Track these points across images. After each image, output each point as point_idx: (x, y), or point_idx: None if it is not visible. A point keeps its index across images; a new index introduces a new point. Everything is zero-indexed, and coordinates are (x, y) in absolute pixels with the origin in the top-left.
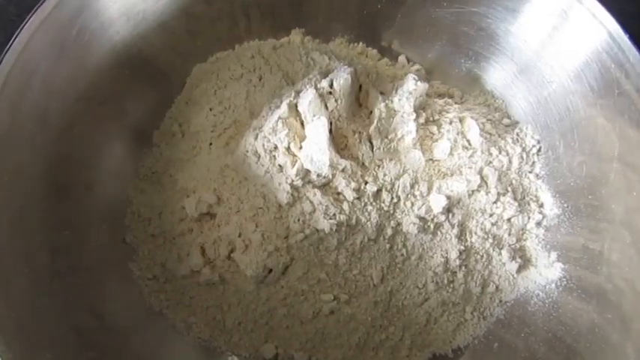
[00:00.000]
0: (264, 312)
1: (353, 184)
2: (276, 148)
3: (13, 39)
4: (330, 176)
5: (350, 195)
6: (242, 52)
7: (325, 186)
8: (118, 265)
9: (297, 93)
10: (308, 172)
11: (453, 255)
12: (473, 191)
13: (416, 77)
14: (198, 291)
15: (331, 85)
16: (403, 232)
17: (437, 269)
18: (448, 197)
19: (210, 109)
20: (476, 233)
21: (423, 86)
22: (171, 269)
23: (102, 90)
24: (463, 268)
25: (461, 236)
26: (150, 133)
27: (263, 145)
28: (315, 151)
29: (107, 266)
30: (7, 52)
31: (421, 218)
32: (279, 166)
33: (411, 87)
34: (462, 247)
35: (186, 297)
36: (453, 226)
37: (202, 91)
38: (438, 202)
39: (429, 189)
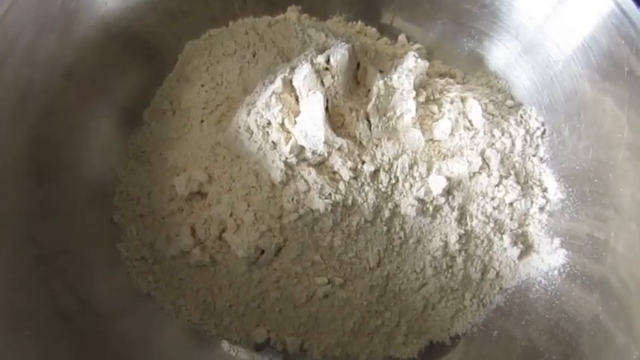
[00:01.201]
0: (256, 295)
1: (349, 164)
2: (269, 124)
3: None
4: (326, 154)
5: (346, 174)
6: (236, 29)
7: (321, 165)
8: (106, 247)
9: (293, 69)
10: (302, 149)
11: (453, 239)
12: (474, 173)
13: (416, 55)
14: (188, 272)
15: (328, 61)
16: (401, 215)
17: (435, 253)
18: (448, 179)
19: (202, 86)
20: (476, 217)
21: (423, 64)
22: (160, 250)
23: (89, 65)
24: (463, 252)
25: (461, 220)
26: (140, 112)
27: (256, 121)
28: (310, 127)
29: (94, 248)
30: None
31: (420, 200)
32: (273, 142)
33: (411, 64)
34: (462, 231)
35: (175, 279)
36: (452, 209)
37: (194, 68)
38: (437, 184)
39: (429, 170)
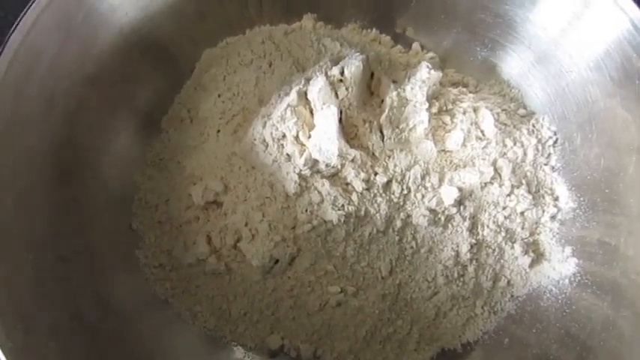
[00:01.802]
0: (271, 303)
1: (362, 175)
2: (284, 136)
3: (19, 19)
4: (339, 166)
5: (359, 186)
6: (252, 37)
7: (334, 176)
8: (124, 252)
9: (307, 80)
10: (316, 161)
11: (464, 248)
12: (486, 183)
13: (429, 65)
14: (204, 280)
15: (342, 73)
16: (413, 225)
17: (447, 262)
18: (460, 189)
19: (219, 96)
20: (488, 226)
21: (436, 75)
22: (177, 257)
23: (110, 73)
24: (474, 261)
25: (472, 229)
26: (158, 118)
27: (271, 134)
28: (324, 141)
29: (113, 253)
30: (13, 32)
31: (432, 210)
32: (287, 155)
33: (424, 75)
34: (474, 241)
35: (192, 286)
36: (464, 219)
37: (211, 77)
38: (449, 194)
39: (441, 180)
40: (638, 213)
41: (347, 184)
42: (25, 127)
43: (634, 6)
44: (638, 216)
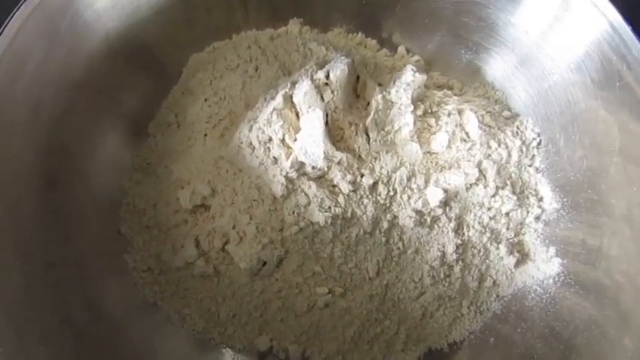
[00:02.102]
0: (259, 304)
1: (349, 177)
2: (270, 139)
3: (3, 26)
4: (326, 169)
5: (345, 188)
6: (239, 42)
7: (320, 178)
8: (113, 257)
9: (293, 84)
10: (303, 164)
11: (450, 249)
12: (471, 184)
13: (414, 68)
14: (192, 283)
15: (327, 76)
16: (399, 226)
17: (433, 263)
18: (445, 190)
19: (206, 100)
20: (473, 227)
21: (421, 78)
22: (166, 261)
23: (96, 79)
24: (460, 262)
25: (458, 230)
26: (145, 124)
27: (257, 137)
28: (310, 144)
29: (102, 258)
30: None
31: (418, 212)
32: (274, 158)
33: (409, 78)
34: (459, 241)
35: (180, 289)
36: (450, 220)
37: (198, 81)
38: (434, 196)
39: (426, 182)
40: (620, 213)
41: (333, 186)
42: (11, 134)
43: (612, 8)
44: (621, 216)
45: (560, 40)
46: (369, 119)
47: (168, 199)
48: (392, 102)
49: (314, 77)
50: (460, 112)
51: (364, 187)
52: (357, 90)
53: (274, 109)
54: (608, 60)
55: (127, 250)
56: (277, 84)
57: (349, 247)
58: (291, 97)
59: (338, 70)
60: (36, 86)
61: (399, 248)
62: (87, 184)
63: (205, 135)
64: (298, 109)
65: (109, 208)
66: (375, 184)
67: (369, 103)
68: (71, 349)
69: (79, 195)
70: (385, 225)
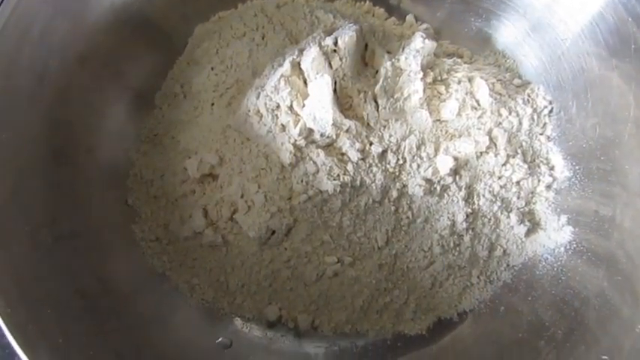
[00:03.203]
0: (268, 274)
1: (357, 145)
2: (278, 107)
3: None
4: (334, 136)
5: (354, 155)
6: (245, 11)
7: (329, 146)
8: (121, 228)
9: (301, 51)
10: (311, 131)
11: (460, 218)
12: (481, 153)
13: (424, 35)
14: (201, 253)
15: (335, 43)
16: (409, 195)
17: (443, 232)
18: (455, 159)
19: (212, 69)
20: (484, 196)
21: (430, 44)
22: (174, 231)
23: (101, 51)
24: (470, 231)
25: (468, 199)
26: (151, 95)
27: (265, 104)
28: (318, 109)
29: (110, 229)
30: (1, 3)
31: (427, 180)
32: (282, 125)
33: (419, 45)
34: (469, 210)
35: (189, 259)
36: (460, 189)
37: (204, 51)
38: (444, 164)
39: (436, 150)
40: (633, 181)
41: (342, 154)
42: (17, 100)
43: None
44: (634, 185)
45: (572, 2)
46: (377, 86)
47: (176, 169)
48: (401, 69)
49: (322, 44)
50: (470, 80)
51: (373, 156)
52: (365, 58)
53: (282, 75)
54: (623, 21)
55: (134, 221)
56: (284, 52)
57: (358, 215)
58: (299, 63)
59: (346, 36)
60: (41, 53)
61: (408, 217)
62: (94, 155)
63: (212, 104)
64: (306, 76)
65: (116, 179)
66: (384, 152)
67: (377, 71)
68: (83, 318)
69: (86, 167)
70: (394, 194)
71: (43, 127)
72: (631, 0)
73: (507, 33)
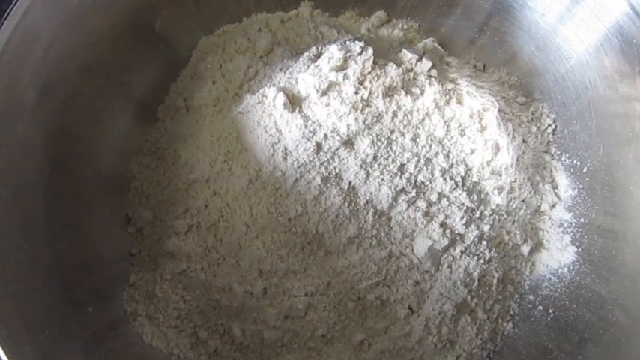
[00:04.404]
0: None
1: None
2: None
3: (11, 7)
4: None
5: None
6: (249, 25)
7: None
8: (121, 241)
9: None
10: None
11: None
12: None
13: (434, 40)
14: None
15: (344, 57)
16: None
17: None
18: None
19: (214, 83)
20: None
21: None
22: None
23: (105, 61)
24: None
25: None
26: (155, 106)
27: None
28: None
29: (110, 242)
30: (6, 17)
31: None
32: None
33: (429, 45)
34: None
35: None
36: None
37: (207, 65)
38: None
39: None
40: (637, 202)
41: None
42: (19, 118)
43: None
44: (638, 205)
45: (578, 23)
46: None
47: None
48: (409, 72)
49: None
50: (475, 98)
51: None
52: (374, 68)
53: (279, 89)
54: (627, 43)
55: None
56: (287, 66)
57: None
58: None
59: (356, 47)
60: (44, 69)
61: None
62: (95, 168)
63: (212, 118)
64: (307, 93)
65: (117, 192)
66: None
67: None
68: (77, 337)
69: (87, 179)
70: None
71: (44, 137)
72: (636, 22)
73: (511, 50)
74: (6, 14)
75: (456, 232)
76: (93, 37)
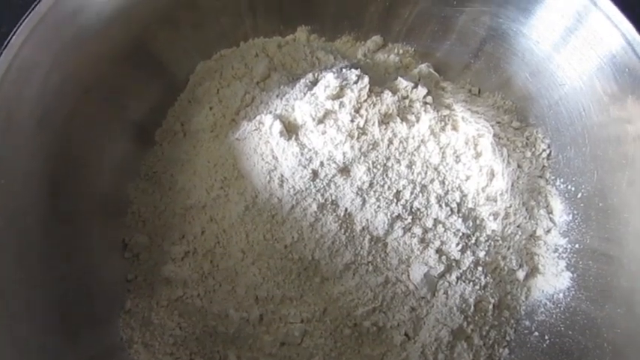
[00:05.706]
0: None
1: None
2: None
3: (9, 38)
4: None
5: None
6: (246, 50)
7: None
8: (119, 267)
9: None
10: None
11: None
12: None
13: (429, 65)
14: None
15: (340, 85)
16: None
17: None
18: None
19: (211, 108)
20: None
21: (435, 75)
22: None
23: (103, 86)
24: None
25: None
26: (152, 131)
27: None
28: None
29: (107, 268)
30: (5, 48)
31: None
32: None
33: (424, 71)
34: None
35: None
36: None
37: (205, 90)
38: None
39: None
40: (632, 227)
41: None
42: (18, 145)
43: (627, 22)
44: (634, 231)
45: (572, 51)
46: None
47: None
48: (404, 99)
49: (326, 86)
50: (469, 123)
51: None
52: (369, 95)
53: (275, 116)
54: (621, 73)
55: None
56: (284, 92)
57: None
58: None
59: (351, 80)
60: (42, 98)
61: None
62: (93, 192)
63: (209, 144)
64: (304, 120)
65: (114, 216)
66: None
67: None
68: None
69: (84, 204)
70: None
71: (42, 163)
72: (629, 52)
73: (506, 76)
74: (4, 45)
75: (452, 258)
76: (91, 64)
